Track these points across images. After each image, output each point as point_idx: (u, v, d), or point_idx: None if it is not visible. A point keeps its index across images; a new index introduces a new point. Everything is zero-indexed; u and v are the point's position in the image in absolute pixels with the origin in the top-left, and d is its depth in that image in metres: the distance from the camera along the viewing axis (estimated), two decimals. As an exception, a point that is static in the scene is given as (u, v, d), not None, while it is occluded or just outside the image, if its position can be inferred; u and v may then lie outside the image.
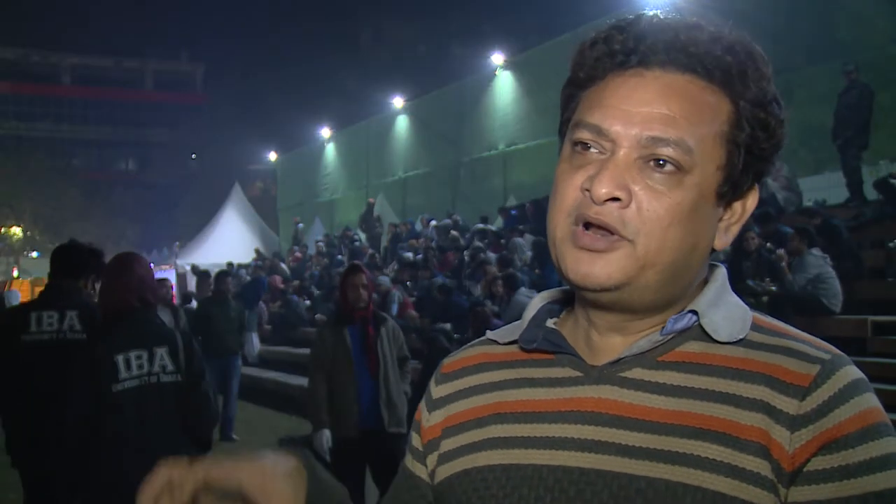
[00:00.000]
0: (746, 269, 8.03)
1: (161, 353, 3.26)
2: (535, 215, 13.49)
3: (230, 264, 20.31)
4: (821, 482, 0.78)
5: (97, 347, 3.24)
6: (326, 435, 4.84)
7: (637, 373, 0.88)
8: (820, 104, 10.41)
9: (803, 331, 0.90)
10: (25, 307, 4.43)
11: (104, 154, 52.93)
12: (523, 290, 8.44)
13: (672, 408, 0.84)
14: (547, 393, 0.92)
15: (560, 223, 0.87)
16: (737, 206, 0.90)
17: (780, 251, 7.96)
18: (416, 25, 40.59)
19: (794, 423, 0.80)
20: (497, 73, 17.99)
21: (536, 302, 1.01)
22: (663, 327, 0.88)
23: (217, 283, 9.65)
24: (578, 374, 0.91)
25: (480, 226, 14.91)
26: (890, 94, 10.57)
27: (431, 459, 1.00)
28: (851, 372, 0.82)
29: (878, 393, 0.84)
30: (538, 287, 9.29)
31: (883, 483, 0.77)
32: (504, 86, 17.91)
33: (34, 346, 4.02)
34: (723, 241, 0.90)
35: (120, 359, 3.18)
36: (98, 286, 3.69)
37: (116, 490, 2.84)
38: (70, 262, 4.23)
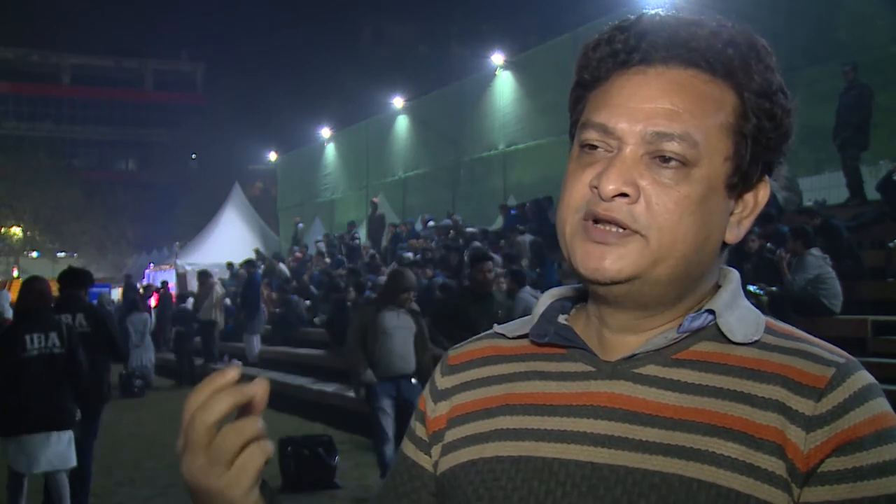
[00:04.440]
0: (748, 270, 8.03)
1: (53, 335, 5.36)
2: (534, 215, 13.49)
3: (230, 264, 20.30)
4: (834, 483, 0.78)
5: (15, 329, 5.43)
6: None
7: (651, 369, 0.88)
8: (820, 104, 10.38)
9: (804, 332, 0.90)
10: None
11: (104, 154, 52.87)
12: (528, 288, 8.39)
13: (687, 405, 0.84)
14: (559, 386, 0.92)
15: (569, 219, 0.87)
16: (748, 198, 0.90)
17: (780, 252, 7.97)
18: (416, 25, 40.53)
19: (809, 423, 0.80)
20: (497, 73, 17.98)
21: (546, 299, 1.00)
22: (679, 325, 0.88)
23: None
24: (591, 368, 0.91)
25: (471, 229, 14.79)
26: (890, 94, 10.57)
27: (436, 450, 0.99)
28: (865, 376, 0.83)
29: (879, 393, 0.84)
30: (538, 287, 9.28)
31: (894, 486, 0.78)
32: (504, 86, 17.90)
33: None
34: (735, 234, 0.90)
35: (27, 337, 5.28)
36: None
37: (22, 418, 5.19)
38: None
